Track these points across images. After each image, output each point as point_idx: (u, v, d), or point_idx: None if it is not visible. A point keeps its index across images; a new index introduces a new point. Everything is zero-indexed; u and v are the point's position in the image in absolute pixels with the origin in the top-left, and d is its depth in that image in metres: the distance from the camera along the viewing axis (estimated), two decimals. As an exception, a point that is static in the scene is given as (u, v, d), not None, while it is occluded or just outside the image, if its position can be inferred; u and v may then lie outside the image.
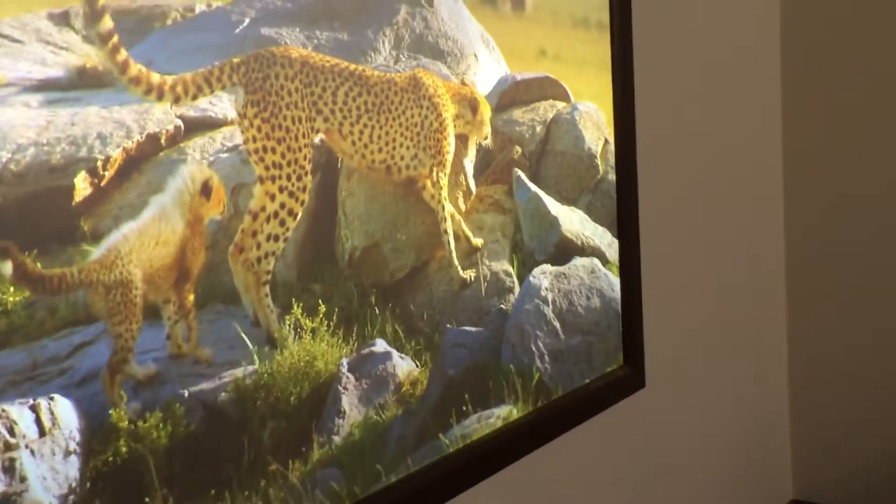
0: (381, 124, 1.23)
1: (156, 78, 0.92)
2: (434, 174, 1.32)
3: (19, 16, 0.82)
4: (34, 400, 0.84)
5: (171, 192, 0.95)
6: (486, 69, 1.39)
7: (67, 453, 0.87)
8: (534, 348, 1.51)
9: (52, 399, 0.85)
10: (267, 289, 1.07)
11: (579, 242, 1.62)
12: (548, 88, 1.54)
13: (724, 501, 1.96)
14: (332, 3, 1.13)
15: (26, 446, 0.83)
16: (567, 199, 1.58)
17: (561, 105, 1.57)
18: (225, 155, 1.01)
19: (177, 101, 0.95)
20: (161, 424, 0.95)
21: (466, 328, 1.37)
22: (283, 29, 1.07)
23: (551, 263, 1.55)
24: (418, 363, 1.28)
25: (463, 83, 1.34)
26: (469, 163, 1.37)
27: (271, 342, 1.07)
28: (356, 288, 1.18)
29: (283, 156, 1.09)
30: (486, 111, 1.38)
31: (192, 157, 0.96)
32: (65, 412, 0.86)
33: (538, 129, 1.52)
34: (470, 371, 1.38)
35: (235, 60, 1.02)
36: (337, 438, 1.15)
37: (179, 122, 0.96)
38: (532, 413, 1.47)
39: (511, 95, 1.46)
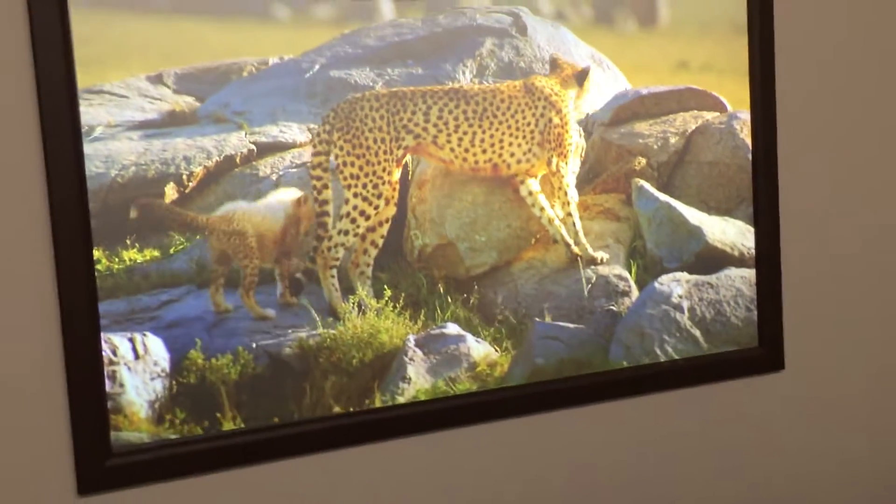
0: (483, 129, 1.42)
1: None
2: (554, 164, 1.46)
3: (125, 79, 1.22)
4: (131, 334, 1.24)
5: (277, 196, 1.28)
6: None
7: (155, 374, 1.25)
8: (658, 352, 1.54)
9: (144, 335, 1.24)
10: (334, 272, 1.34)
11: (735, 253, 1.58)
12: (689, 99, 1.55)
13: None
14: (406, 45, 1.36)
15: (125, 364, 1.23)
16: (717, 210, 1.56)
17: (710, 115, 1.56)
18: (293, 170, 1.31)
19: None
20: (231, 364, 1.28)
21: (562, 324, 1.48)
22: (352, 70, 1.33)
23: (689, 272, 1.56)
24: (497, 349, 1.44)
25: (557, 63, 1.46)
26: (572, 173, 1.47)
27: (334, 314, 1.34)
28: (426, 279, 1.39)
29: (360, 168, 1.35)
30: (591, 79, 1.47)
31: (263, 171, 1.28)
32: (154, 346, 1.24)
33: (673, 140, 1.54)
34: (565, 363, 1.48)
35: (329, 113, 1.32)
36: (401, 399, 1.37)
37: (252, 146, 1.28)
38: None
39: (632, 109, 1.51)
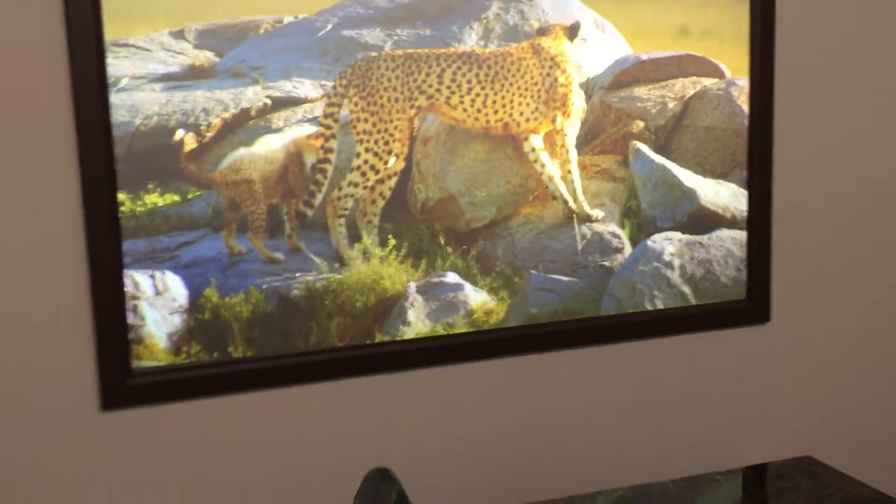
0: (495, 90, 1.49)
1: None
2: (559, 122, 1.53)
3: (149, 34, 1.30)
4: (152, 272, 1.33)
5: (280, 135, 1.36)
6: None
7: (173, 310, 1.35)
8: (648, 306, 1.61)
9: (164, 273, 1.34)
10: (342, 220, 1.42)
11: (728, 215, 1.65)
12: (689, 66, 1.60)
13: None
14: (415, 6, 1.42)
15: (145, 299, 1.33)
16: (712, 173, 1.63)
17: (709, 81, 1.62)
18: (305, 124, 1.38)
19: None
20: (243, 302, 1.38)
21: (556, 276, 1.56)
22: (363, 30, 1.39)
23: (682, 232, 1.63)
24: (494, 297, 1.52)
25: (548, 28, 1.52)
26: (572, 133, 1.54)
27: (340, 260, 1.43)
28: (427, 230, 1.47)
29: (373, 125, 1.43)
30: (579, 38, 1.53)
31: (276, 124, 1.36)
32: (173, 283, 1.34)
33: (671, 104, 1.59)
34: (558, 314, 1.57)
35: (347, 69, 1.39)
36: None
37: (267, 101, 1.36)
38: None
39: (632, 73, 1.57)
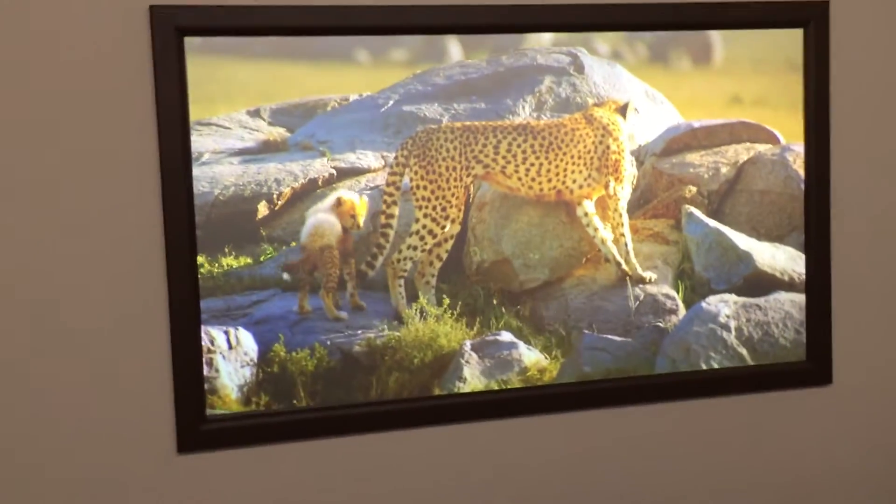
0: (549, 160, 1.57)
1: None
2: (611, 187, 1.59)
3: (229, 113, 1.44)
4: (226, 328, 1.45)
5: (326, 204, 1.48)
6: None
7: (244, 363, 1.46)
8: (704, 366, 1.63)
9: (237, 329, 1.45)
10: (401, 282, 1.51)
11: (785, 278, 1.66)
12: (741, 132, 1.64)
13: None
14: (471, 82, 1.52)
15: (220, 353, 1.45)
16: (768, 236, 1.65)
17: (763, 147, 1.65)
18: (367, 192, 1.49)
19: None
20: (308, 357, 1.48)
21: (609, 336, 1.60)
22: (422, 105, 1.50)
23: (738, 294, 1.65)
24: (547, 356, 1.58)
25: (602, 103, 1.59)
26: (624, 198, 1.59)
27: (399, 319, 1.51)
28: (482, 290, 1.54)
29: (432, 192, 1.52)
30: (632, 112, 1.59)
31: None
32: (245, 339, 1.46)
33: (723, 170, 1.63)
34: (611, 373, 1.61)
35: (408, 140, 1.50)
36: (456, 396, 1.54)
37: (333, 171, 1.48)
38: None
39: (684, 140, 1.62)
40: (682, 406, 1.62)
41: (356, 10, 1.43)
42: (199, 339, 1.42)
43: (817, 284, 1.65)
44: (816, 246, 1.64)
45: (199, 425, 1.42)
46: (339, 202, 1.47)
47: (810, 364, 1.66)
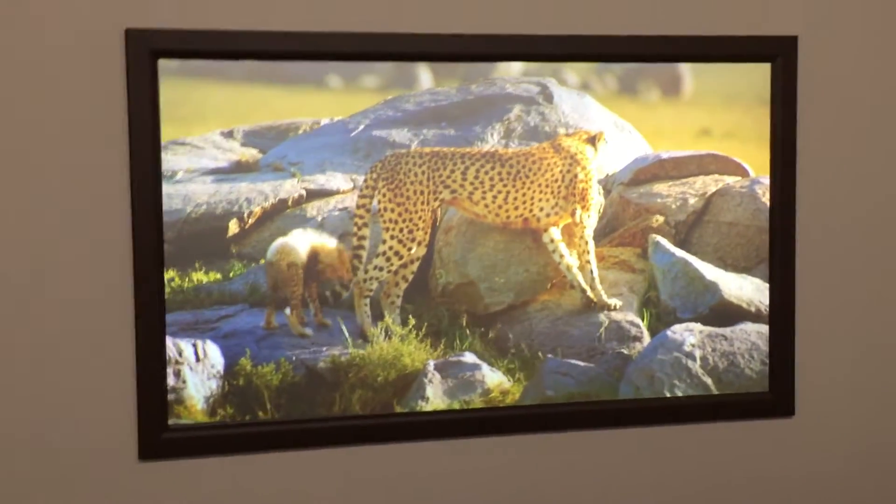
0: (517, 188, 1.60)
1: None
2: (578, 216, 1.62)
3: (203, 134, 1.49)
4: (195, 341, 1.50)
5: (306, 236, 1.52)
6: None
7: (211, 375, 1.50)
8: (668, 394, 1.65)
9: (205, 342, 1.50)
10: (367, 301, 1.55)
11: (752, 309, 1.67)
12: (710, 164, 1.66)
13: None
14: (440, 109, 1.56)
15: (188, 364, 1.49)
16: (735, 267, 1.66)
17: (732, 179, 1.67)
18: (336, 213, 1.54)
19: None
20: (273, 372, 1.52)
21: (573, 361, 1.62)
22: (391, 130, 1.54)
23: (704, 323, 1.66)
24: (510, 379, 1.60)
25: (572, 133, 1.61)
26: (590, 226, 1.62)
27: (364, 337, 1.55)
28: (447, 312, 1.57)
29: (399, 215, 1.56)
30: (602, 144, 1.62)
31: (310, 213, 1.52)
32: (212, 351, 1.50)
33: (692, 200, 1.65)
34: (574, 397, 1.62)
35: (377, 163, 1.54)
36: (419, 415, 1.57)
37: (303, 192, 1.52)
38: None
39: (652, 171, 1.64)
40: (643, 432, 1.63)
41: (329, 37, 1.47)
42: (163, 348, 1.47)
43: (781, 315, 1.66)
44: (780, 277, 1.65)
45: (160, 433, 1.47)
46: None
47: (773, 395, 1.67)
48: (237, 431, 1.48)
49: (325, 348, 1.53)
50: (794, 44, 1.62)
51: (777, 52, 1.62)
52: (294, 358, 1.52)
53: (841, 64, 1.66)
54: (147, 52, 1.42)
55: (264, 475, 1.52)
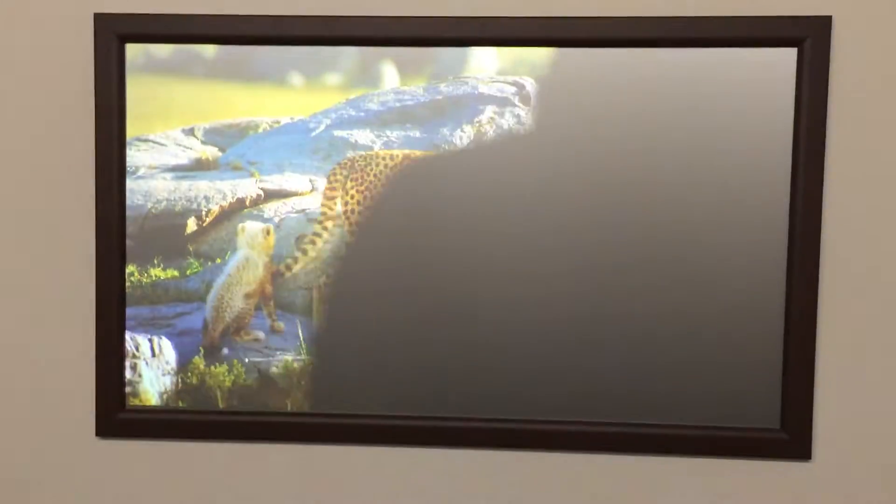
0: None
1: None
2: None
3: (165, 131, 1.48)
4: (150, 336, 1.50)
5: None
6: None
7: (166, 372, 1.50)
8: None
9: (161, 338, 1.50)
10: (328, 306, 1.49)
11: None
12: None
13: None
14: (407, 110, 1.46)
15: (144, 359, 1.50)
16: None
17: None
18: (294, 215, 1.48)
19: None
20: (226, 373, 1.50)
21: (543, 384, 1.48)
22: (353, 130, 1.47)
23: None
24: (472, 398, 1.49)
25: None
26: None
27: (319, 343, 1.49)
28: (406, 323, 1.49)
29: (367, 219, 1.49)
30: None
31: (268, 214, 1.48)
32: (167, 348, 1.50)
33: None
34: (543, 423, 1.49)
35: (346, 161, 1.48)
36: (372, 429, 1.49)
37: (261, 192, 1.48)
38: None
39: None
40: (631, 461, 1.48)
41: (294, 21, 1.43)
42: (122, 336, 1.48)
43: (798, 341, 1.44)
44: (799, 292, 1.43)
45: (117, 412, 1.49)
46: (265, 232, 1.49)
47: (788, 434, 1.46)
48: (189, 418, 1.48)
49: (278, 353, 1.50)
50: (828, 25, 1.40)
51: (806, 34, 1.40)
52: (247, 361, 1.50)
53: (881, 48, 1.42)
54: (115, 36, 1.44)
55: (215, 463, 1.51)
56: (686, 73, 1.43)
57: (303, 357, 1.49)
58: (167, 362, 1.50)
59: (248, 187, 1.48)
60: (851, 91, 1.42)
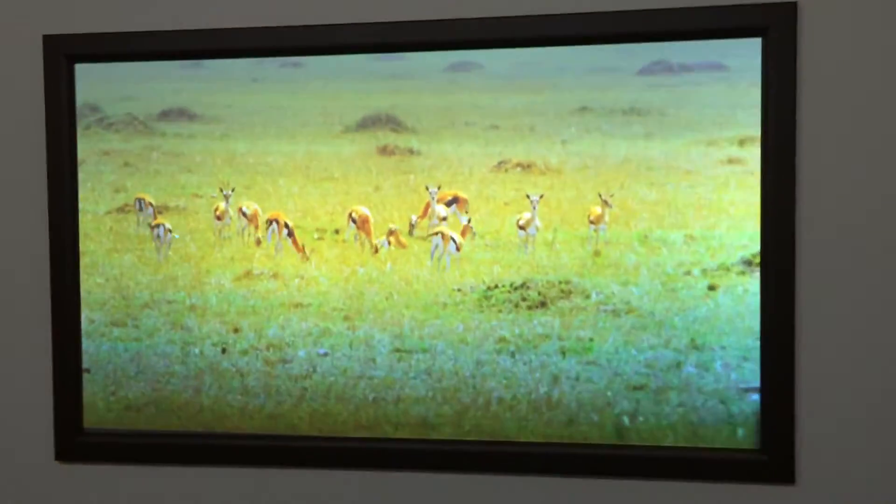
0: None
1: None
2: None
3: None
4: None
5: None
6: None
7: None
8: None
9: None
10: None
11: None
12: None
13: None
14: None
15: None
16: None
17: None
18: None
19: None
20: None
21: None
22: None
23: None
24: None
25: None
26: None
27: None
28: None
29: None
30: None
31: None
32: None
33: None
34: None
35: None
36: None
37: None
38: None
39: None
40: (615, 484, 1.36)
41: (246, 32, 1.39)
42: (79, 353, 1.46)
43: (776, 357, 1.31)
44: (776, 301, 1.30)
45: (75, 437, 1.45)
46: None
47: (768, 457, 1.33)
48: (147, 441, 1.45)
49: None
50: (793, 12, 1.28)
51: (769, 24, 1.29)
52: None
53: (849, 35, 1.29)
54: (62, 56, 1.43)
55: (175, 486, 1.46)
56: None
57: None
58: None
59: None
60: (820, 80, 1.29)
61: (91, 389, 1.46)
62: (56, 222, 1.44)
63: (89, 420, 1.46)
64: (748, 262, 1.32)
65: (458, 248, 1.36)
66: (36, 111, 1.45)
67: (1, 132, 1.47)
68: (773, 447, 1.31)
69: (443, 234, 1.37)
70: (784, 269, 1.30)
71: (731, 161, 1.32)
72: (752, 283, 1.32)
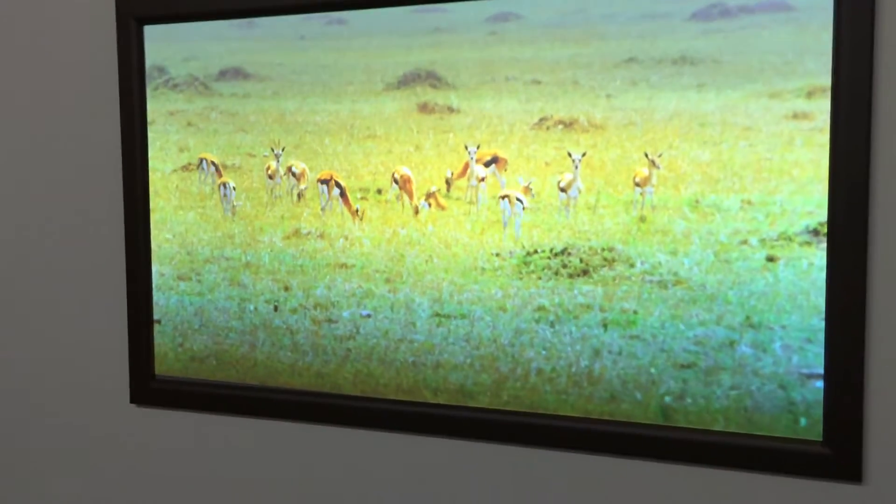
0: None
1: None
2: None
3: (185, 97, 1.50)
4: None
5: None
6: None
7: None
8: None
9: (185, 299, 1.53)
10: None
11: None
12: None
13: None
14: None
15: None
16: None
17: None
18: (297, 176, 1.43)
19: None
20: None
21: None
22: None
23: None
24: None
25: None
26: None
27: (320, 310, 1.43)
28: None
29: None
30: None
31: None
32: (190, 308, 1.52)
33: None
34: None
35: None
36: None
37: (268, 154, 1.45)
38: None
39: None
40: (656, 467, 1.27)
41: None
42: (150, 304, 1.54)
43: (843, 340, 1.14)
44: (844, 275, 1.13)
45: (148, 381, 1.55)
46: None
47: (832, 451, 1.16)
48: (217, 392, 1.50)
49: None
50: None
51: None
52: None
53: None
54: (133, 19, 1.48)
55: (241, 437, 1.52)
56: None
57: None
58: (190, 323, 1.54)
59: (256, 150, 1.47)
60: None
61: (161, 340, 1.54)
62: (130, 181, 1.52)
63: (160, 368, 1.54)
64: (814, 232, 1.16)
65: (523, 209, 1.28)
66: (109, 73, 1.53)
67: (77, 94, 1.56)
68: (838, 440, 1.16)
69: (509, 198, 1.30)
70: (855, 240, 1.13)
71: (796, 116, 1.15)
72: (818, 256, 1.16)
